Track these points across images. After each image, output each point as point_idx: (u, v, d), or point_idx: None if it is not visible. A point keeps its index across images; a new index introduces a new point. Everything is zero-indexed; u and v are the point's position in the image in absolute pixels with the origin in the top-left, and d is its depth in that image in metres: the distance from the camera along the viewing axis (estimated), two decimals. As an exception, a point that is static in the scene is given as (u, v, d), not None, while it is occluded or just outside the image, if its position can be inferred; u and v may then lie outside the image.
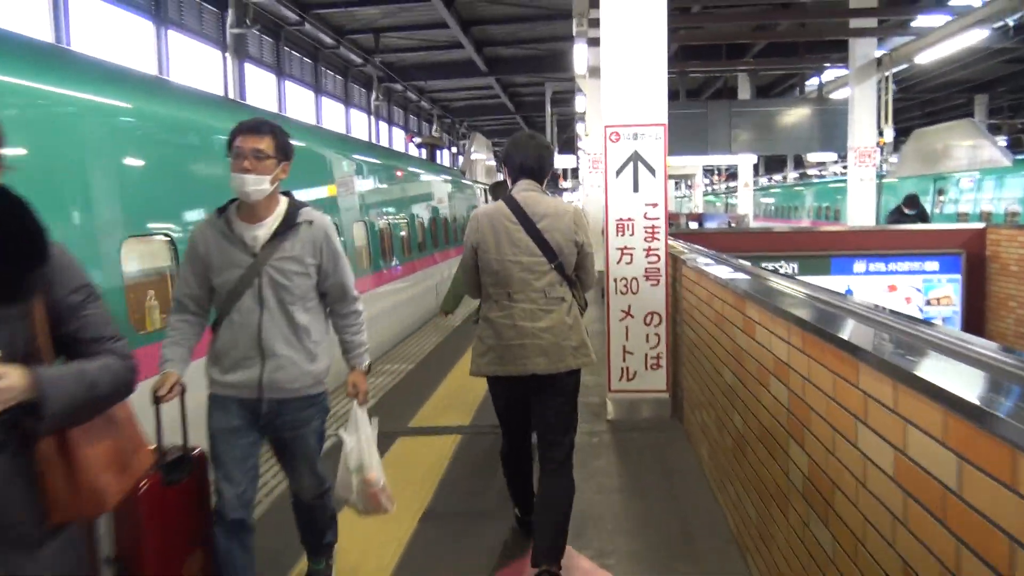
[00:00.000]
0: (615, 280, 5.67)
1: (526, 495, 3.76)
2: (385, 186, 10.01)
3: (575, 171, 38.58)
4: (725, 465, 3.93)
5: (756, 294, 3.22)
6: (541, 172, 3.44)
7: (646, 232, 5.61)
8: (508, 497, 3.95)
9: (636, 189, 5.60)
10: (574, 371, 3.35)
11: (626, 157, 5.59)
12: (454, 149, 32.81)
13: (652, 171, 5.58)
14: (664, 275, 5.61)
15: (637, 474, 4.68)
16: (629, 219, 5.62)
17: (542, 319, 3.25)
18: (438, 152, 32.42)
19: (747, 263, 4.44)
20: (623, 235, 5.63)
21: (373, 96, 28.08)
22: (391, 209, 9.98)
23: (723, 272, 4.28)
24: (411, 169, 11.76)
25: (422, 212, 11.63)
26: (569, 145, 32.07)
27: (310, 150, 7.52)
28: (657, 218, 5.60)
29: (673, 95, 28.61)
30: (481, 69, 27.58)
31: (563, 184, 46.16)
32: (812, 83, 26.07)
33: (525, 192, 3.36)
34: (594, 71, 15.57)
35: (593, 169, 16.64)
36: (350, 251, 8.18)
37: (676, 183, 41.77)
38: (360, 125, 28.08)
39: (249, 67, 18.73)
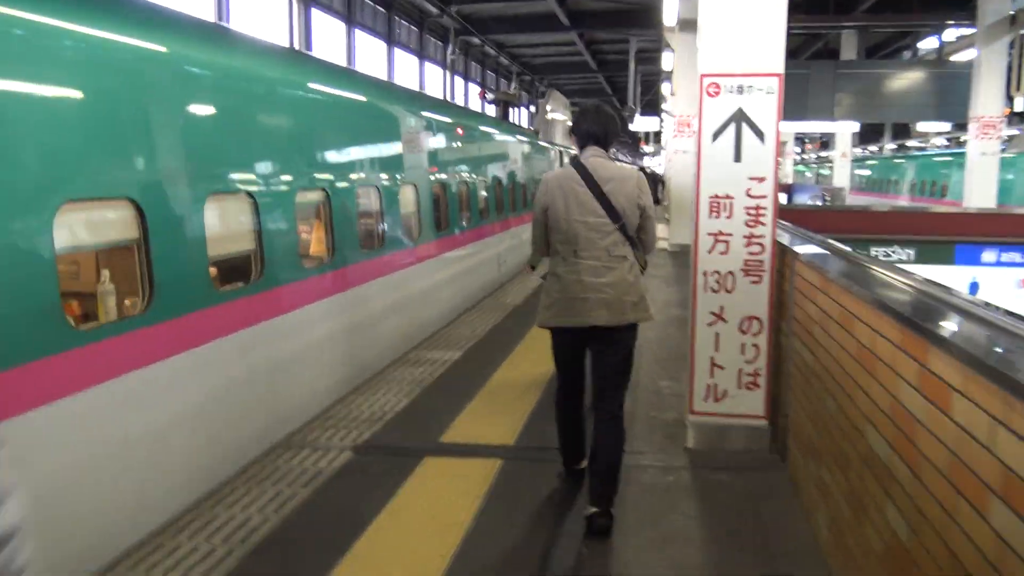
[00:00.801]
0: (704, 274, 4.45)
1: (575, 446, 3.98)
2: (445, 146, 8.95)
3: (658, 135, 36.73)
4: (864, 564, 2.72)
5: (955, 343, 1.99)
6: (607, 139, 3.72)
7: (748, 214, 4.36)
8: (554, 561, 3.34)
9: (738, 158, 4.35)
10: (632, 325, 3.65)
11: (727, 116, 4.33)
12: (533, 108, 31.43)
13: (760, 135, 4.31)
14: (769, 271, 4.37)
15: (727, 552, 3.47)
16: (727, 196, 4.38)
17: (605, 275, 3.52)
18: (514, 111, 31.15)
19: (906, 272, 3.18)
20: (717, 216, 4.39)
21: (449, 50, 26.97)
22: (449, 172, 8.92)
23: (868, 281, 3.05)
24: (477, 129, 10.63)
25: (483, 175, 10.53)
26: (653, 106, 30.27)
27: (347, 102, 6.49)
28: (764, 196, 4.34)
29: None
30: (563, 23, 26.06)
31: (644, 148, 44.21)
32: (927, 44, 23.73)
33: (592, 158, 3.66)
34: (685, 24, 14.03)
35: (678, 133, 15.17)
36: (400, 216, 7.21)
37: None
38: (435, 80, 26.98)
39: (317, 14, 17.80)
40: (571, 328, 3.61)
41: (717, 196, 4.39)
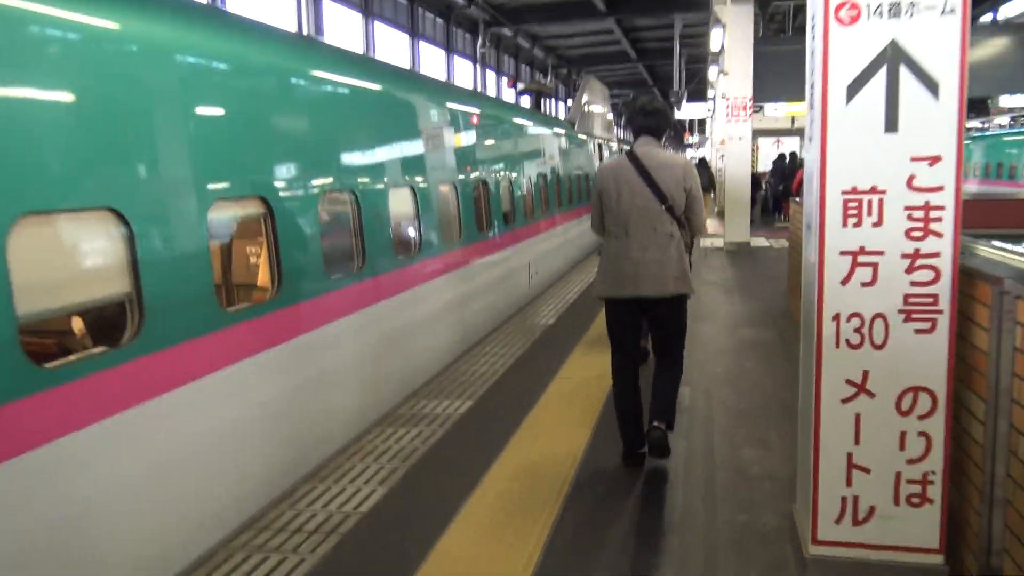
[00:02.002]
0: (835, 318, 2.71)
1: (635, 430, 4.04)
2: (466, 141, 7.35)
3: (702, 123, 34.58)
4: None
5: None
6: (658, 130, 4.03)
7: (912, 219, 2.61)
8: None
9: (893, 126, 2.60)
10: (679, 297, 3.92)
11: (871, 58, 2.59)
12: (570, 102, 29.64)
13: (932, 88, 2.56)
14: (949, 312, 2.62)
15: None
16: (872, 191, 2.64)
17: (651, 252, 3.83)
18: (549, 103, 29.41)
19: None
20: (857, 223, 2.66)
21: (479, 42, 25.36)
22: (465, 171, 7.30)
23: None
24: (498, 119, 8.97)
25: (508, 173, 8.86)
26: (698, 95, 28.25)
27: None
28: (938, 188, 2.59)
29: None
30: (600, 9, 24.29)
31: (688, 139, 42.02)
32: (1012, 7, 21.45)
33: (644, 147, 3.96)
34: (739, -8, 12.26)
35: (732, 117, 13.31)
36: (422, 221, 5.99)
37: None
38: (465, 75, 25.39)
39: (329, 4, 16.31)
40: (622, 299, 3.92)
41: (856, 191, 2.64)
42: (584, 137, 14.69)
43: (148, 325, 3.02)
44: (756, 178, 17.47)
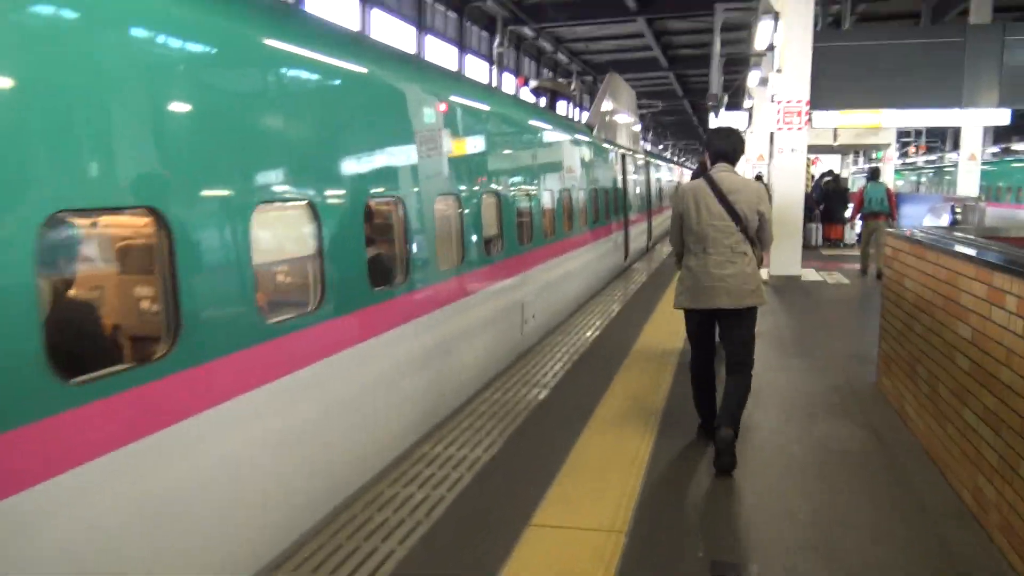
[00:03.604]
0: None
1: (710, 405, 4.55)
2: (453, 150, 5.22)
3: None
4: None
5: None
6: (734, 155, 4.47)
7: None
8: None
9: None
10: (751, 308, 4.32)
11: None
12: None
13: None
14: None
15: None
16: None
17: (728, 268, 4.23)
18: (569, 110, 27.16)
19: None
20: None
21: (496, 41, 23.27)
22: (435, 185, 5.14)
23: None
24: (492, 113, 6.72)
25: (498, 188, 6.61)
26: (734, 105, 25.86)
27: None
28: None
29: (895, 15, 21.30)
30: (629, 7, 22.12)
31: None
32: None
33: (721, 172, 4.36)
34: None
35: (785, 125, 11.03)
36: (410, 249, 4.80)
37: (855, 153, 34.21)
38: (479, 76, 23.30)
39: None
40: (700, 310, 4.34)
41: None
42: (606, 145, 12.44)
43: None
44: (808, 200, 15.13)
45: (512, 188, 7.05)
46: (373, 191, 4.36)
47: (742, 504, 3.77)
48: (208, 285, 2.95)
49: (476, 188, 6.07)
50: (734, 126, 20.35)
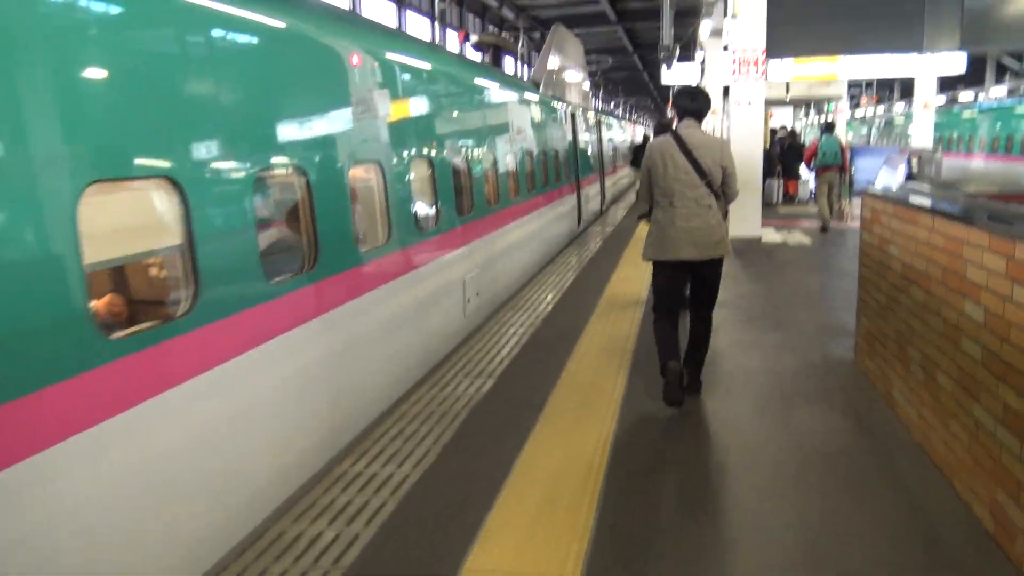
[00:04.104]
0: None
1: (674, 349, 4.51)
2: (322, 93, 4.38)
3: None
4: None
5: None
6: (700, 113, 4.58)
7: None
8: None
9: None
10: (716, 259, 4.50)
11: None
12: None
13: None
14: None
15: None
16: None
17: (694, 220, 4.39)
18: (515, 64, 26.17)
19: None
20: None
21: (438, -3, 22.18)
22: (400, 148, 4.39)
23: None
24: (416, 67, 5.91)
25: (424, 149, 5.84)
26: (685, 57, 25.05)
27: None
28: None
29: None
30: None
31: (671, 112, 38.92)
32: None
33: (687, 129, 4.51)
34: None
35: (741, 75, 10.39)
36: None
37: (807, 106, 33.81)
38: (422, 35, 22.18)
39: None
40: (668, 261, 4.48)
41: None
42: (555, 103, 11.66)
43: None
44: (769, 156, 14.57)
45: (448, 153, 6.28)
46: (269, 161, 3.59)
47: (715, 524, 3.15)
48: None
49: (404, 154, 5.31)
50: (688, 81, 19.47)
